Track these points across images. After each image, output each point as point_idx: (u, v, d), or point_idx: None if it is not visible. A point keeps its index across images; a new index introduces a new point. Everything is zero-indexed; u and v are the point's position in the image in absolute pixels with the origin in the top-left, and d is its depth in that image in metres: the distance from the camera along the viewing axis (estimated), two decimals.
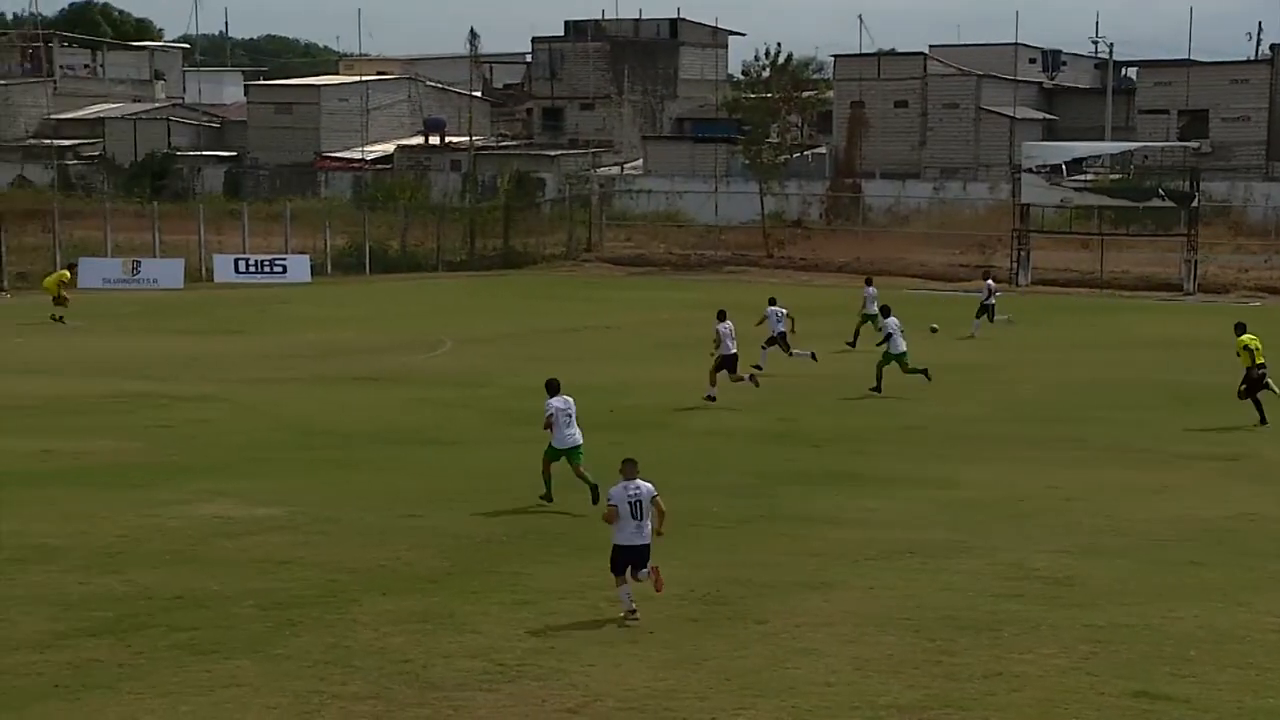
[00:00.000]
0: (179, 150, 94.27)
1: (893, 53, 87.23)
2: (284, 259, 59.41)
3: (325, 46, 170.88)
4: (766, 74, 70.97)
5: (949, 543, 18.69)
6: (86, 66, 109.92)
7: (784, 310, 34.54)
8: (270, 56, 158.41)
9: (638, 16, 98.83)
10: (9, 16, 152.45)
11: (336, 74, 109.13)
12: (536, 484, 20.85)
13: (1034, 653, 14.32)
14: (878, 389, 31.32)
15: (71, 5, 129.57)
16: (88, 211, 64.41)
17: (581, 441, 20.82)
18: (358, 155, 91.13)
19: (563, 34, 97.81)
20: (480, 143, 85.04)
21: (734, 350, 30.51)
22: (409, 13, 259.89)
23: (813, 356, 34.38)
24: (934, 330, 39.46)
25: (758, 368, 32.48)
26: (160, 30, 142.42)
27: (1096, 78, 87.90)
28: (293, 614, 15.23)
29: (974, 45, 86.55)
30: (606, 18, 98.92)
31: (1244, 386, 27.81)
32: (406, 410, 28.63)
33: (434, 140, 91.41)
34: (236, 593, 15.95)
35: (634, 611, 15.18)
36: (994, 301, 43.16)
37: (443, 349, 38.21)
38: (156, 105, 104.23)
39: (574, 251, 70.41)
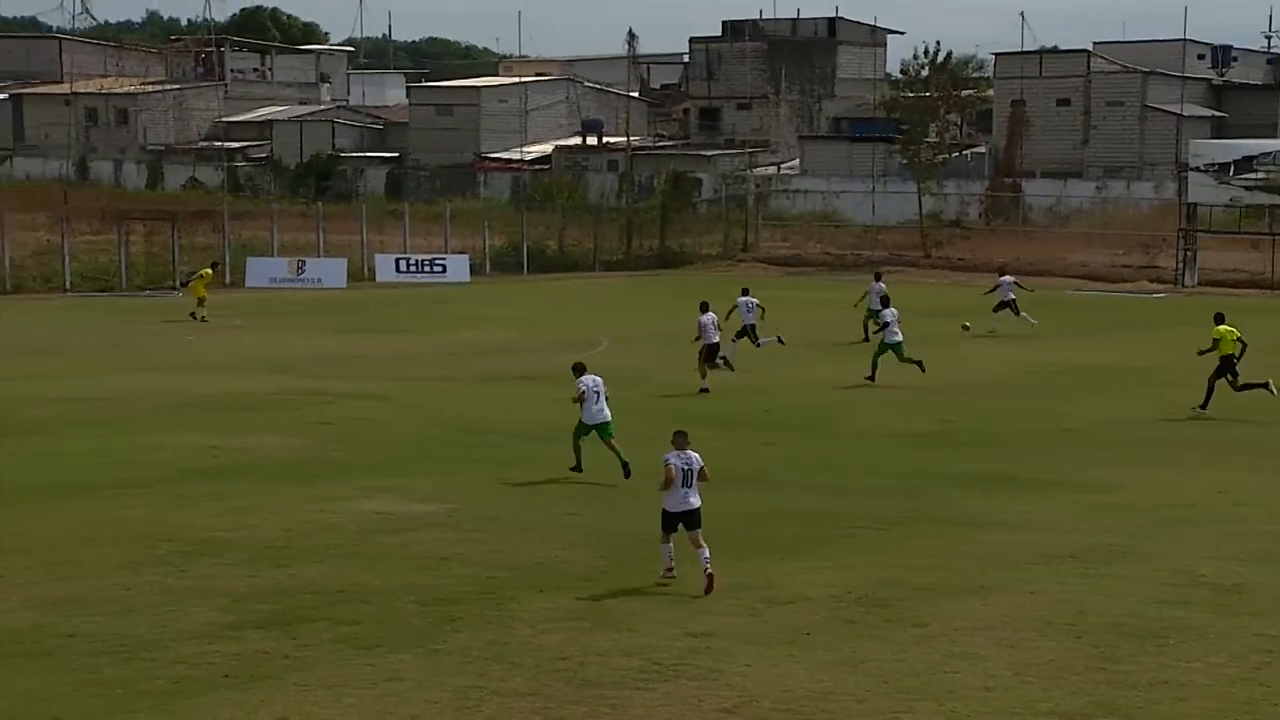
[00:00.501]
0: (343, 152, 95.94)
1: (1055, 50, 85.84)
2: (444, 259, 60.17)
3: (485, 48, 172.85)
4: (925, 73, 70.30)
5: (1111, 547, 18.34)
6: (256, 70, 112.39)
7: (755, 301, 35.54)
8: (431, 59, 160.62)
9: (795, 16, 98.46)
10: (184, 22, 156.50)
11: (496, 75, 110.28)
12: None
13: (1202, 661, 13.99)
14: (872, 378, 31.92)
15: (242, 10, 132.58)
16: (255, 212, 65.80)
17: (610, 418, 22.24)
18: (516, 156, 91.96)
19: (720, 34, 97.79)
20: (637, 143, 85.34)
21: (716, 340, 31.75)
22: (568, 14, 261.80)
23: (779, 340, 35.07)
24: (965, 328, 40.13)
25: (724, 359, 32.62)
26: (326, 34, 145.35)
27: (1269, 74, 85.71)
28: (452, 610, 15.41)
29: (1140, 42, 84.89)
30: (764, 17, 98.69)
31: (1229, 377, 28.41)
32: (563, 409, 28.78)
33: (592, 141, 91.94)
34: (398, 588, 16.17)
35: (671, 570, 16.38)
36: (1013, 297, 42.39)
37: (599, 348, 38.39)
38: (321, 108, 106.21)
39: (730, 251, 70.37)
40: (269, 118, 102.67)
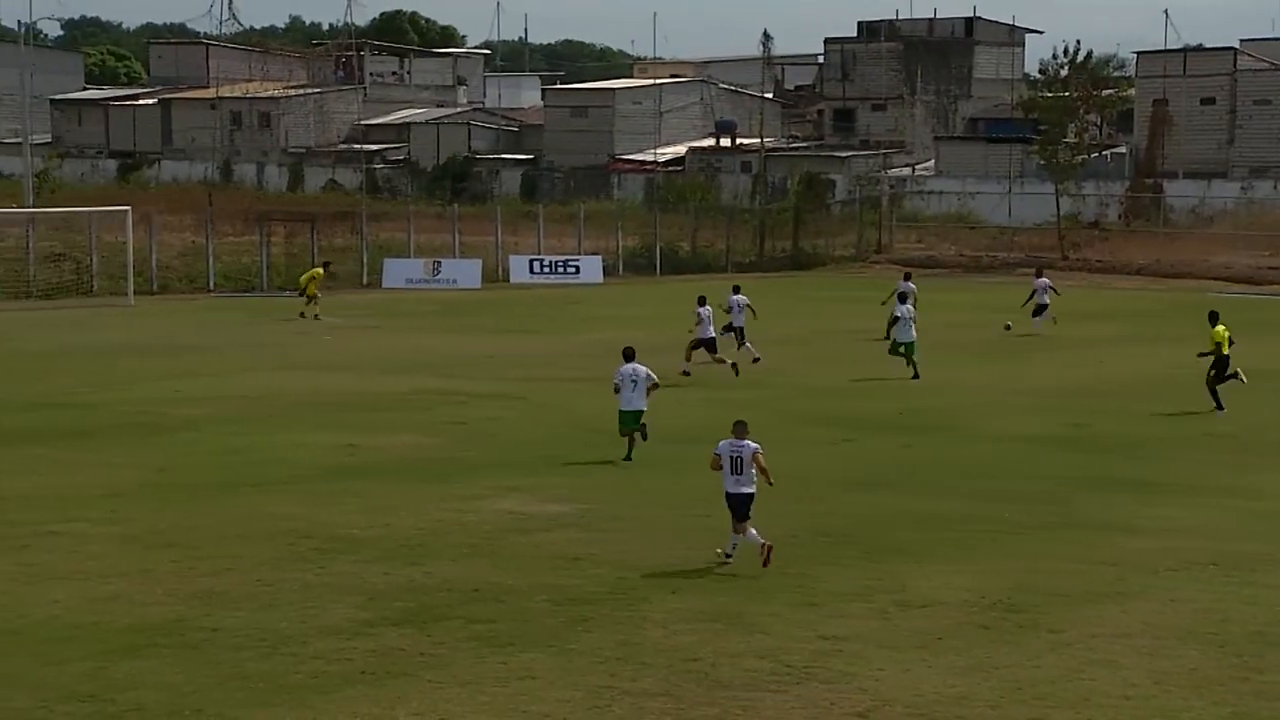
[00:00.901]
0: (478, 153, 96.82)
1: (1200, 48, 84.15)
2: (577, 260, 60.44)
3: (620, 50, 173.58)
4: (1065, 72, 69.28)
5: (1255, 555, 17.96)
6: (394, 73, 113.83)
7: (746, 300, 36.09)
8: (567, 61, 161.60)
9: (932, 16, 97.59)
10: (325, 27, 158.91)
11: (631, 77, 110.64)
12: (827, 483, 21.34)
13: None
14: (915, 376, 32.52)
15: (382, 14, 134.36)
16: (393, 213, 66.60)
17: (643, 408, 23.69)
18: (650, 157, 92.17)
19: (856, 35, 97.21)
20: (771, 144, 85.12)
21: (712, 334, 32.97)
22: (703, 16, 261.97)
23: (754, 360, 34.37)
24: (1008, 328, 40.27)
25: (727, 362, 33.02)
26: (463, 37, 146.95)
27: None
28: (584, 610, 15.49)
29: None
30: (900, 18, 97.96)
31: (1212, 372, 28.87)
32: (695, 410, 28.82)
33: (725, 142, 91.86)
34: (530, 587, 16.29)
35: (730, 557, 17.18)
36: (1048, 300, 41.89)
37: (733, 348, 38.32)
38: (458, 110, 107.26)
39: (863, 253, 69.93)
40: (407, 120, 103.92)
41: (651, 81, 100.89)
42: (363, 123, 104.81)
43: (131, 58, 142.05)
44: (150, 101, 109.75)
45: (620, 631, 14.78)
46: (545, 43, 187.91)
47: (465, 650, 14.20)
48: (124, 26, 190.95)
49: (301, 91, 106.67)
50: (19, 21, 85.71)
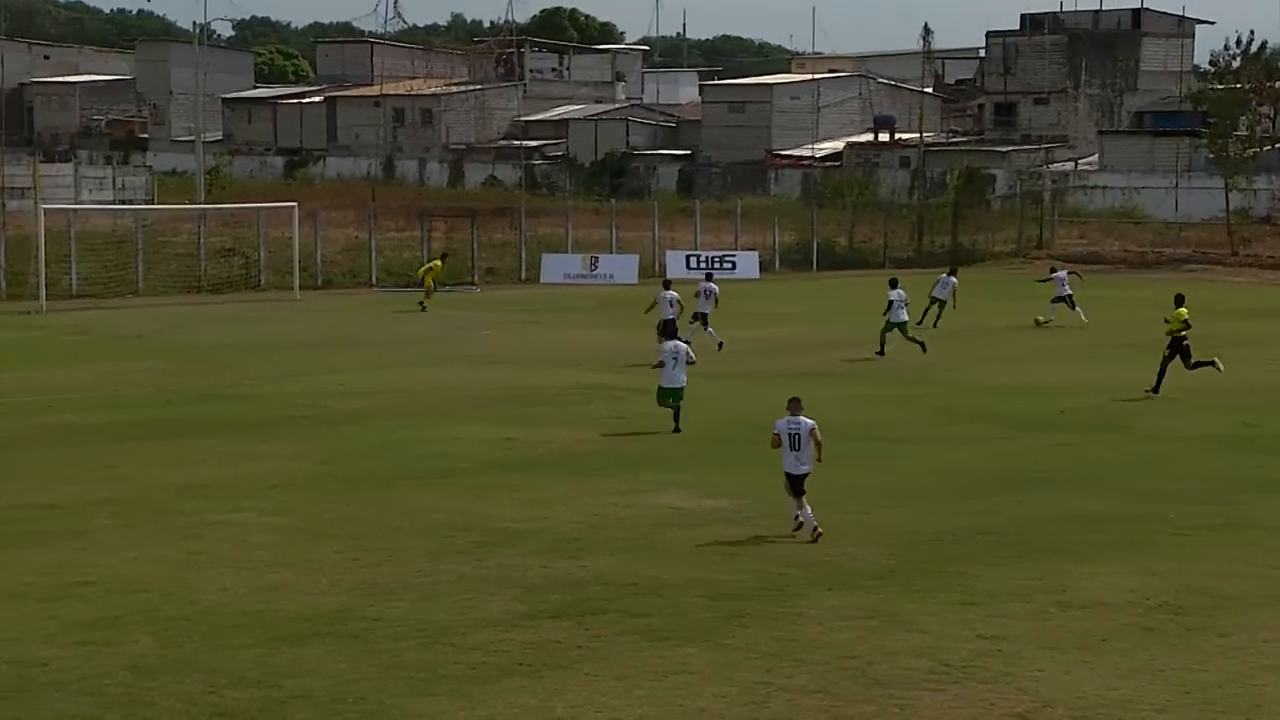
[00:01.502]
0: (636, 149, 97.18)
1: None
2: (734, 255, 60.36)
3: (779, 45, 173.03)
4: (1237, 64, 67.63)
5: None
6: (554, 70, 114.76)
7: (715, 287, 37.38)
8: (724, 56, 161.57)
9: (1098, 7, 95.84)
10: (486, 24, 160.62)
11: (789, 72, 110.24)
12: (984, 481, 21.13)
13: None
14: (881, 352, 35.11)
15: (543, 11, 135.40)
16: (551, 209, 67.09)
17: (683, 385, 25.29)
18: (807, 153, 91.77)
19: (1019, 27, 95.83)
20: (930, 139, 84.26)
21: (672, 316, 33.99)
22: (863, 10, 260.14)
23: (719, 347, 35.81)
24: (1039, 322, 41.86)
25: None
26: (622, 33, 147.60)
27: None
28: (741, 605, 15.47)
29: None
30: (1065, 10, 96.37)
31: (1168, 352, 29.77)
32: (849, 407, 28.65)
33: (883, 137, 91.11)
34: (687, 582, 16.30)
35: (800, 525, 17.95)
36: (1070, 292, 42.78)
37: (891, 345, 38.01)
38: (616, 106, 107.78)
39: (1024, 249, 68.88)
40: (565, 116, 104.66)
41: (809, 77, 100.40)
42: (522, 119, 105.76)
43: (299, 56, 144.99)
44: (316, 99, 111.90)
45: (776, 627, 14.74)
46: (703, 38, 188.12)
47: (622, 644, 14.25)
48: (292, 26, 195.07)
49: (463, 88, 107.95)
50: (194, 23, 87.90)
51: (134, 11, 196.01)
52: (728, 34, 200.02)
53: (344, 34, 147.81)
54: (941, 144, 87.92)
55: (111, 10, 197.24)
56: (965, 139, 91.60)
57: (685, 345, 25.85)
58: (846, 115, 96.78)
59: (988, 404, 29.19)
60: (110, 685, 12.92)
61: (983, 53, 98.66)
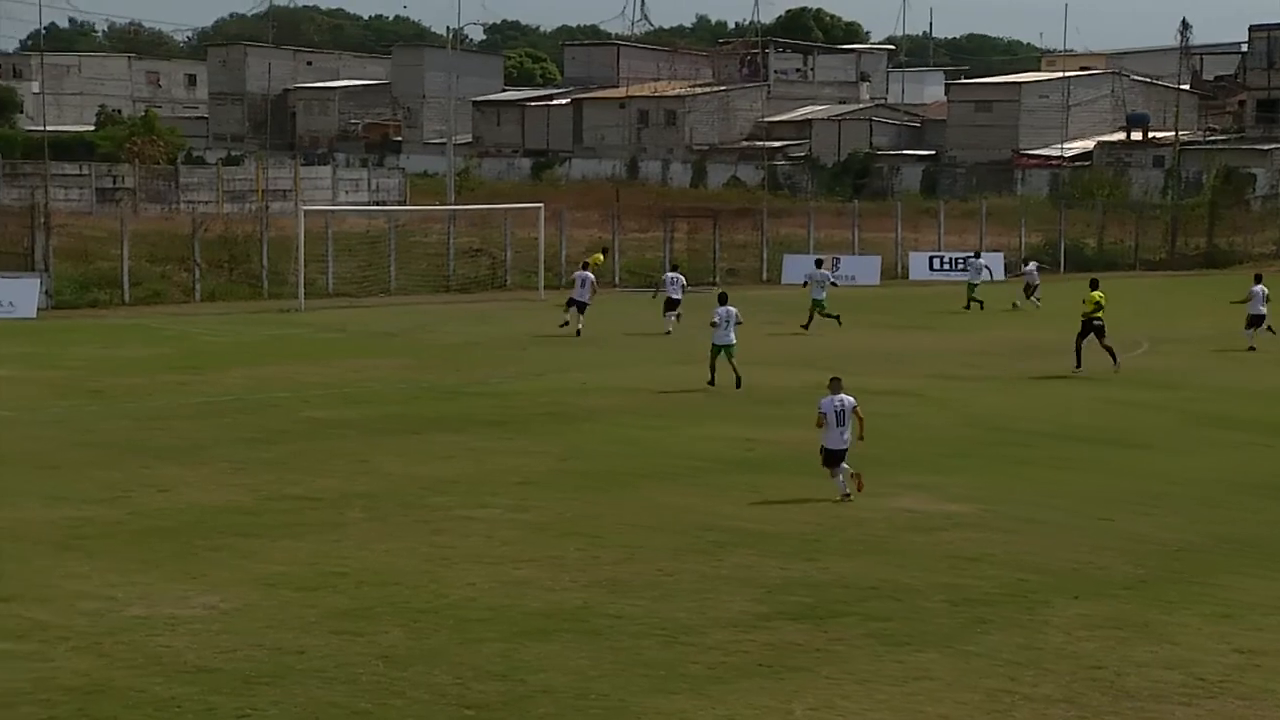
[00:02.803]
0: (879, 150, 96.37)
1: None
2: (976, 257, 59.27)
3: (1028, 43, 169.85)
4: None
5: None
6: (798, 70, 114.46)
7: (681, 278, 41.18)
8: (971, 55, 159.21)
9: None
10: (730, 25, 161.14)
11: (1038, 70, 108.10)
12: (1235, 488, 20.61)
13: None
14: (806, 326, 39.95)
15: (788, 12, 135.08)
16: (793, 210, 66.91)
17: (734, 342, 29.61)
18: (1055, 152, 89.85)
19: None
20: (1186, 137, 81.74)
21: (585, 298, 39.04)
22: (1117, 6, 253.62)
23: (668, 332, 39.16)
24: (1015, 306, 45.01)
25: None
26: (867, 33, 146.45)
27: None
28: (982, 611, 15.22)
29: None
30: None
31: (1081, 330, 32.91)
32: (1095, 410, 28.01)
33: (1136, 136, 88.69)
34: (927, 586, 16.11)
35: (848, 495, 19.71)
36: (1039, 280, 47.00)
37: (1139, 350, 37.05)
38: (860, 106, 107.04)
39: None
40: (809, 117, 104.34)
41: (1059, 75, 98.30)
42: (765, 120, 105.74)
43: (547, 59, 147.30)
44: (563, 101, 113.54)
45: (1020, 635, 14.47)
46: (950, 37, 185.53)
47: (862, 647, 14.15)
48: (541, 30, 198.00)
49: (707, 90, 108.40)
50: (447, 28, 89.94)
51: (390, 17, 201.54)
52: (975, 32, 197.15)
53: (591, 37, 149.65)
54: (1197, 143, 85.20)
55: (369, 16, 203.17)
56: (1224, 137, 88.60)
57: (735, 310, 29.85)
58: (1097, 114, 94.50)
59: (1239, 409, 28.22)
60: (363, 674, 13.29)
61: (1245, 47, 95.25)
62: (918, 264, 59.22)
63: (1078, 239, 63.86)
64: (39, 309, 43.08)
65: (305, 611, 15.07)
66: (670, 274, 41.68)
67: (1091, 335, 32.87)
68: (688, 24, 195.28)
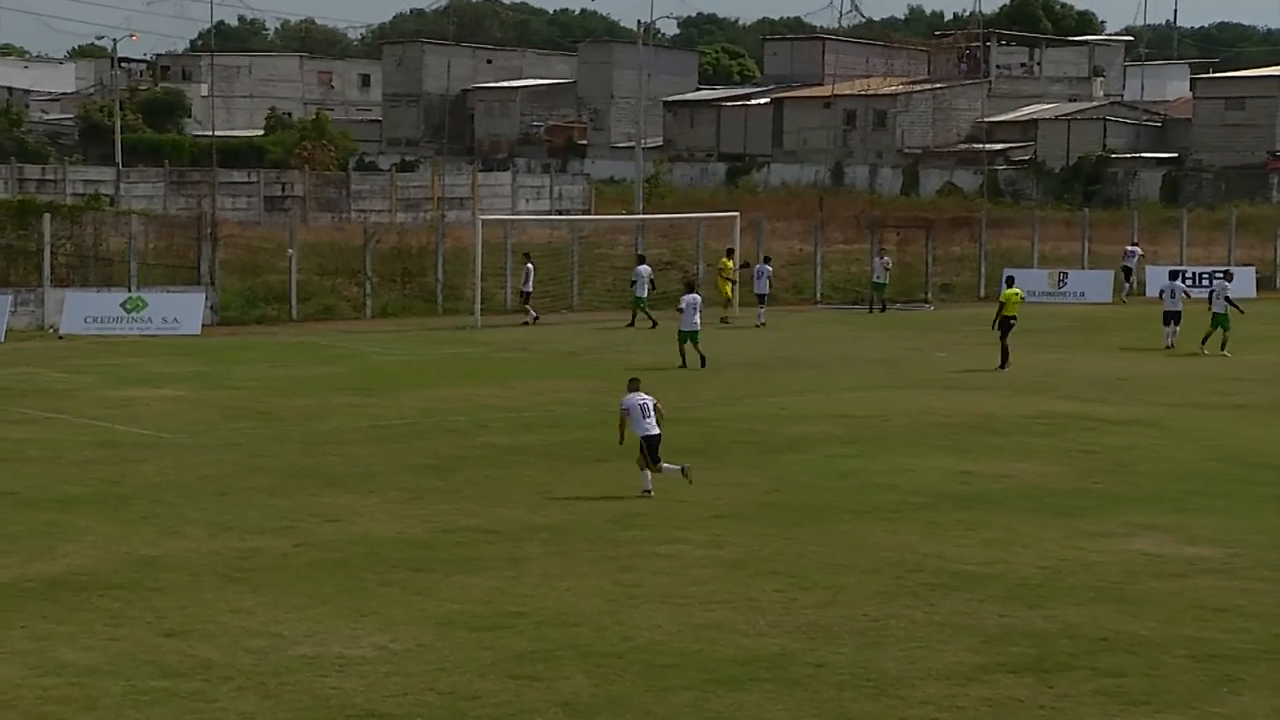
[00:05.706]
0: (1114, 152, 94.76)
1: None
2: (1221, 271, 57.95)
3: None
4: None
5: None
6: (1023, 65, 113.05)
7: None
8: (1222, 46, 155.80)
9: None
10: (949, 16, 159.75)
11: None
12: None
13: None
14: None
15: (1013, 1, 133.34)
16: (1015, 219, 66.14)
17: (698, 328, 36.29)
18: None
19: None
20: None
21: (528, 290, 46.41)
22: None
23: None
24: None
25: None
26: (1102, 23, 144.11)
27: None
28: (1231, 669, 14.86)
29: None
30: None
31: (997, 323, 37.39)
32: None
33: None
34: (1167, 639, 15.78)
35: (649, 491, 22.17)
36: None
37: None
38: (1093, 104, 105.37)
39: None
40: (1034, 116, 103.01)
41: None
42: (986, 120, 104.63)
43: (745, 55, 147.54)
44: (763, 101, 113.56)
45: (1276, 697, 14.09)
46: (1197, 26, 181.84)
47: (1091, 705, 13.91)
48: (740, 23, 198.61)
49: (921, 87, 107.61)
50: (638, 21, 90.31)
51: (577, 11, 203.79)
52: (1226, 20, 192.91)
53: (794, 30, 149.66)
54: None
55: (555, 10, 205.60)
56: None
57: (699, 298, 36.54)
58: None
59: None
60: None
61: None
62: (1154, 279, 57.96)
63: None
64: (204, 325, 44.40)
65: (481, 654, 15.27)
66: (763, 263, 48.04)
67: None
68: (900, 15, 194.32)
